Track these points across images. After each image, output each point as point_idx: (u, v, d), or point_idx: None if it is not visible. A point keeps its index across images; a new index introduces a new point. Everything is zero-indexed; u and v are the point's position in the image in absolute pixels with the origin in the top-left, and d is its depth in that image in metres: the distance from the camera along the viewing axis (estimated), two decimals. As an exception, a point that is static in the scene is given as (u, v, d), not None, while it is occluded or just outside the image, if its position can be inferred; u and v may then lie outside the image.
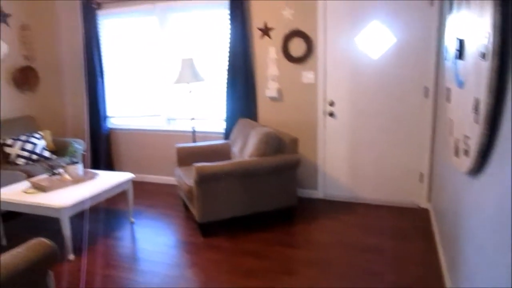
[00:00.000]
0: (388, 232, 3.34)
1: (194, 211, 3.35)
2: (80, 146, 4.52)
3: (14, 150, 4.17)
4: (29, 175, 3.92)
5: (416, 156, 3.75)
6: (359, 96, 3.82)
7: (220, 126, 4.50)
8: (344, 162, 4.01)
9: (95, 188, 3.28)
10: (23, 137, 4.29)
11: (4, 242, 3.32)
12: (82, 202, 3.10)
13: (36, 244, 1.86)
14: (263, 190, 3.42)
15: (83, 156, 4.74)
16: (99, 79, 4.82)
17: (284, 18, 3.90)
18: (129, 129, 4.98)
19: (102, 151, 4.98)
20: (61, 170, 3.43)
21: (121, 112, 5.03)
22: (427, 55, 3.51)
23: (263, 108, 4.23)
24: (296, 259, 2.95)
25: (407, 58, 3.58)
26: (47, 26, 5.07)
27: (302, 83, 3.98)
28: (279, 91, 4.09)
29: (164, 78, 4.69)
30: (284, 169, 3.44)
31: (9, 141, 4.20)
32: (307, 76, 3.94)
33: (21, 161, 4.17)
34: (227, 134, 4.33)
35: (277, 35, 3.98)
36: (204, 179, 3.19)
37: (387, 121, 3.77)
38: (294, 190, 3.56)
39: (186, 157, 4.01)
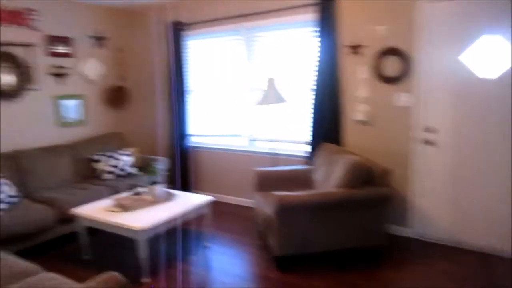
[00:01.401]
0: (502, 289, 2.76)
1: (271, 242, 3.12)
2: (162, 166, 4.59)
3: (102, 165, 4.37)
4: (115, 191, 4.05)
5: (539, 196, 3.08)
6: (465, 122, 3.29)
7: (302, 149, 4.24)
8: (443, 198, 3.47)
9: (173, 210, 3.23)
10: (112, 153, 4.48)
11: (88, 256, 3.41)
12: (159, 225, 3.06)
13: (108, 279, 1.77)
14: (348, 226, 3.06)
15: (163, 173, 4.81)
16: (183, 98, 4.89)
17: (377, 34, 3.54)
18: (209, 148, 4.96)
19: (182, 168, 5.03)
20: (142, 190, 3.46)
21: (203, 131, 5.04)
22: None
23: (350, 132, 3.88)
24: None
25: (530, 79, 2.99)
26: (140, 48, 5.33)
27: (395, 106, 3.56)
28: (369, 114, 3.72)
29: (247, 98, 4.60)
30: (372, 204, 3.06)
31: (97, 157, 4.41)
32: (402, 98, 3.51)
33: (108, 176, 4.34)
34: (309, 159, 4.05)
35: (368, 53, 3.63)
36: (283, 210, 2.95)
37: (500, 154, 3.17)
38: (383, 228, 3.14)
39: (265, 182, 3.81)
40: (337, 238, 3.07)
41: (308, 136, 4.05)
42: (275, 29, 4.25)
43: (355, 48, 3.68)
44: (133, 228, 2.91)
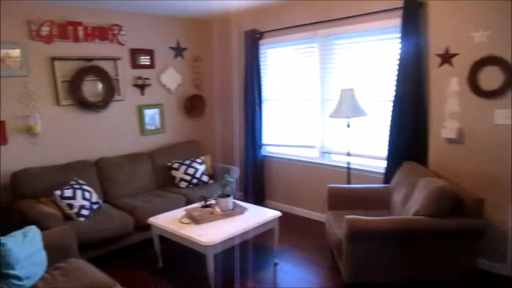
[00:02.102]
0: None
1: (342, 267, 2.91)
2: (234, 175, 4.58)
3: (179, 173, 4.51)
4: (188, 200, 4.14)
5: None
6: None
7: (380, 165, 3.94)
8: (553, 231, 2.95)
9: (242, 225, 3.19)
10: (188, 161, 4.60)
11: (161, 264, 3.53)
12: (227, 240, 3.04)
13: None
14: (430, 258, 2.74)
15: (235, 182, 4.82)
16: (257, 107, 4.85)
17: (474, 42, 3.10)
18: (282, 158, 4.86)
19: (255, 178, 4.99)
20: (212, 202, 3.47)
21: (276, 140, 4.95)
22: None
23: (436, 151, 3.48)
24: None
25: None
26: (216, 57, 5.41)
27: (493, 124, 3.09)
28: (460, 132, 3.29)
29: (322, 108, 4.40)
30: (462, 237, 2.69)
31: (176, 165, 4.56)
32: (503, 115, 3.04)
33: (183, 184, 4.47)
34: (387, 177, 3.73)
35: (462, 63, 3.20)
36: (356, 235, 2.73)
37: None
38: (472, 263, 2.76)
39: (338, 200, 3.60)
40: (416, 270, 2.77)
41: (387, 152, 3.74)
42: (353, 36, 3.99)
43: (446, 57, 3.28)
44: (201, 243, 2.92)
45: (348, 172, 3.92)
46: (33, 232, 2.45)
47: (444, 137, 3.37)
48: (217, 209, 3.36)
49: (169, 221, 3.35)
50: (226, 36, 5.25)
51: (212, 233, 3.03)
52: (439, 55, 3.33)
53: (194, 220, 3.27)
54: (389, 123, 3.67)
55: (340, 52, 4.15)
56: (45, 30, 3.93)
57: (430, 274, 2.77)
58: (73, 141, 4.23)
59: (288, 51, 4.65)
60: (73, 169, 3.95)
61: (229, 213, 3.38)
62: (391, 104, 3.62)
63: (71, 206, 3.51)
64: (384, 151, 3.81)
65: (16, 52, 3.79)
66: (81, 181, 3.80)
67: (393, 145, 3.68)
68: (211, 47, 5.40)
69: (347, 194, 3.61)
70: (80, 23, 4.16)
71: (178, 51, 5.08)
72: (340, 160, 4.30)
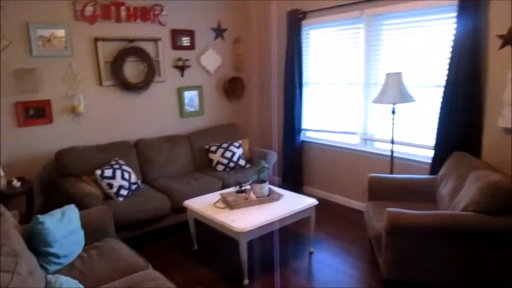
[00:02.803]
0: None
1: (381, 262, 2.77)
2: (267, 164, 4.45)
3: (216, 156, 4.49)
4: (224, 183, 4.12)
5: None
6: None
7: (426, 154, 3.69)
8: None
9: (277, 212, 3.11)
10: (225, 145, 4.56)
11: (196, 247, 3.55)
12: (261, 227, 2.98)
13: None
14: (479, 259, 2.52)
15: (273, 167, 4.74)
16: (297, 91, 4.69)
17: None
18: (322, 144, 4.70)
19: (293, 163, 4.89)
20: (247, 187, 3.42)
21: (316, 125, 4.79)
22: None
23: (491, 141, 3.19)
24: None
25: None
26: (256, 38, 5.27)
27: (561, 113, 2.77)
28: (520, 121, 2.98)
29: (365, 93, 4.17)
30: (517, 237, 2.45)
31: (213, 148, 4.54)
32: None
33: (220, 168, 4.45)
34: (434, 167, 3.49)
35: (528, 44, 2.87)
36: (397, 230, 2.57)
37: None
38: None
39: (379, 190, 3.42)
40: (463, 271, 2.57)
41: (435, 140, 3.48)
42: (403, 16, 3.71)
43: (509, 38, 2.95)
44: (234, 230, 2.88)
45: (391, 161, 3.71)
46: (72, 211, 2.51)
47: (501, 127, 3.07)
48: (252, 195, 3.30)
49: (204, 205, 3.34)
50: (267, 17, 5.08)
51: (246, 219, 2.98)
52: (500, 36, 3.00)
53: (229, 205, 3.24)
54: (439, 109, 3.41)
55: (388, 33, 3.88)
56: (88, 10, 3.98)
57: (478, 277, 2.56)
58: (114, 121, 4.31)
59: (331, 32, 4.42)
60: (114, 149, 4.04)
61: (264, 200, 3.31)
62: (442, 89, 3.35)
63: (110, 186, 3.59)
64: (432, 139, 3.55)
65: (61, 33, 3.88)
66: (121, 161, 3.88)
67: (442, 133, 3.41)
68: (252, 28, 5.27)
69: (389, 184, 3.41)
70: (122, 3, 4.17)
71: (219, 32, 4.99)
72: (383, 148, 4.08)
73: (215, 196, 3.53)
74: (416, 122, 3.78)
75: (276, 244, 3.50)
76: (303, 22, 4.57)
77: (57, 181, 3.76)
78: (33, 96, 3.80)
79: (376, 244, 2.91)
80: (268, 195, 3.40)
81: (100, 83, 4.17)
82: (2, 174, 3.47)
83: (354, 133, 4.35)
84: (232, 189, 3.53)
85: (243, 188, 3.39)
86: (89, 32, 4.04)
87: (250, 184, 3.42)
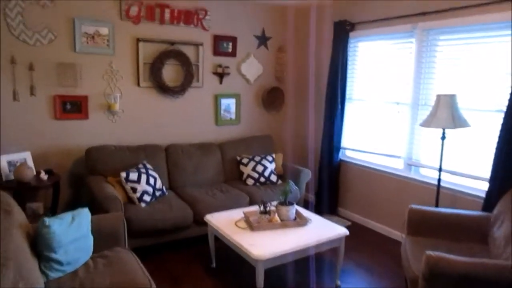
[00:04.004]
0: None
1: (416, 310, 2.41)
2: (295, 187, 4.16)
3: (247, 169, 4.29)
4: (251, 199, 3.91)
5: None
6: None
7: (480, 187, 3.27)
8: None
9: (302, 240, 2.82)
10: (258, 158, 4.35)
11: (214, 264, 3.35)
12: (282, 256, 2.72)
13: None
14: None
15: (307, 185, 4.46)
16: (339, 106, 4.39)
17: None
18: (361, 165, 4.36)
19: (330, 182, 4.57)
20: (272, 208, 3.17)
21: (356, 144, 4.45)
22: None
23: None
24: None
25: None
26: (301, 48, 5.05)
27: None
28: None
29: (413, 114, 3.80)
30: None
31: (245, 160, 4.35)
32: None
33: (250, 182, 4.24)
34: (488, 203, 3.06)
35: None
36: (437, 278, 2.21)
37: None
38: None
39: (420, 224, 3.03)
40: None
41: (491, 172, 3.06)
42: (460, 31, 3.34)
43: None
44: (251, 255, 2.64)
45: (438, 191, 3.32)
46: (83, 215, 2.40)
47: None
48: (276, 217, 3.05)
49: (225, 222, 3.14)
50: (314, 26, 4.84)
51: (266, 245, 2.73)
52: None
53: (250, 226, 3.01)
54: (497, 137, 2.99)
55: (443, 50, 3.51)
56: (134, 10, 3.97)
57: None
58: (148, 123, 4.25)
59: (380, 46, 4.10)
60: (144, 152, 3.96)
61: (288, 224, 3.05)
62: (503, 115, 2.94)
63: (134, 190, 3.50)
64: (487, 171, 3.14)
65: (105, 31, 3.88)
66: (148, 166, 3.79)
67: (500, 164, 2.99)
68: (296, 37, 5.05)
69: (432, 218, 3.02)
70: (167, 5, 4.12)
71: (263, 40, 4.82)
72: (429, 176, 3.69)
73: (238, 212, 3.32)
74: (469, 149, 3.37)
75: (296, 273, 3.22)
76: (351, 34, 4.28)
77: (85, 177, 3.74)
78: (72, 90, 3.82)
79: (412, 287, 2.56)
80: (295, 218, 3.14)
81: (138, 84, 4.13)
82: (31, 165, 3.49)
83: (398, 157, 3.98)
84: (256, 208, 3.30)
85: (267, 208, 3.15)
86: (132, 32, 4.02)
87: (276, 205, 3.18)
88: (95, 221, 2.50)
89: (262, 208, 3.16)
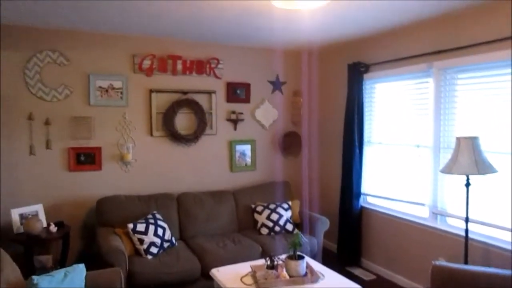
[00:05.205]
0: None
1: None
2: (305, 239, 3.88)
3: (261, 218, 4.11)
4: (264, 250, 3.70)
5: None
6: None
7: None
8: None
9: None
10: (272, 206, 4.18)
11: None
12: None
13: None
14: None
15: (327, 234, 4.19)
16: (357, 150, 4.19)
17: None
18: (384, 213, 4.05)
19: (351, 230, 4.27)
20: (280, 262, 2.96)
21: (378, 190, 4.18)
22: None
23: None
24: None
25: None
26: (316, 92, 4.96)
27: None
28: None
29: (435, 158, 3.54)
30: None
31: (259, 208, 4.19)
32: None
33: (264, 231, 4.04)
34: (525, 261, 2.70)
35: None
36: None
37: None
38: None
39: (446, 284, 2.70)
40: None
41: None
42: (481, 69, 3.13)
43: None
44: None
45: (466, 243, 2.98)
46: (77, 272, 2.32)
47: None
48: (284, 273, 2.82)
49: (231, 277, 2.94)
50: (328, 69, 4.78)
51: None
52: None
53: (256, 282, 2.80)
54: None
55: (463, 89, 3.29)
56: (146, 63, 4.08)
57: None
58: (161, 172, 4.23)
59: (397, 87, 3.93)
60: (155, 202, 3.91)
61: (298, 280, 2.80)
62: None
63: (141, 241, 3.41)
64: (522, 223, 2.79)
65: (118, 84, 4.00)
66: (158, 216, 3.71)
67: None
68: (311, 81, 4.98)
69: (460, 277, 2.68)
70: (179, 57, 4.22)
71: (277, 85, 4.79)
72: (457, 226, 3.34)
73: (246, 267, 3.12)
74: (499, 197, 3.03)
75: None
76: (366, 75, 4.16)
77: (95, 229, 3.71)
78: (86, 142, 3.90)
79: None
80: (305, 274, 2.89)
81: (151, 133, 4.17)
82: (42, 217, 3.51)
83: (422, 204, 3.66)
84: (263, 262, 3.08)
85: (275, 263, 2.93)
86: (145, 84, 4.12)
87: (285, 259, 2.96)
88: (91, 277, 2.41)
89: (269, 262, 2.95)
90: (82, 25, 3.61)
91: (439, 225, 3.50)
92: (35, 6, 2.99)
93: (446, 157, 3.39)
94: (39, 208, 3.59)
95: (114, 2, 2.90)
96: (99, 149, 3.95)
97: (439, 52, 3.39)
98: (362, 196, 4.29)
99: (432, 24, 3.47)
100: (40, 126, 3.70)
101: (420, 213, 3.70)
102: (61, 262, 3.61)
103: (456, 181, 3.31)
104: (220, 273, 3.05)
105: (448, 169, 2.92)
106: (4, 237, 3.39)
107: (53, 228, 3.49)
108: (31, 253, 3.36)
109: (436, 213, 3.53)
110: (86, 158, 3.91)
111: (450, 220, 3.45)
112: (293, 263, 2.88)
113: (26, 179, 3.67)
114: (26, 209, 3.52)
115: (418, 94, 3.70)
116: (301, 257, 2.94)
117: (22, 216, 3.47)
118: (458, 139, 2.89)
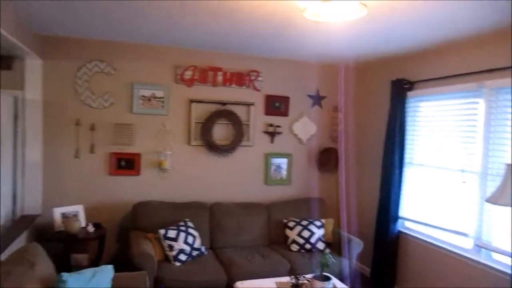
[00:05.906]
0: None
1: None
2: (332, 259, 3.73)
3: (292, 234, 4.04)
4: (292, 267, 3.62)
5: None
6: None
7: None
8: None
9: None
10: (305, 222, 4.09)
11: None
12: None
13: None
14: None
15: (361, 256, 4.02)
16: (397, 171, 3.99)
17: None
18: (423, 240, 3.80)
19: (386, 256, 4.06)
20: (306, 281, 2.87)
21: (417, 215, 3.94)
22: None
23: None
24: None
25: None
26: (357, 108, 4.81)
27: None
28: None
29: (481, 185, 3.28)
30: None
31: (291, 224, 4.11)
32: None
33: (294, 248, 3.96)
34: None
35: None
36: None
37: None
38: None
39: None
40: None
41: None
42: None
43: None
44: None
45: (513, 282, 2.72)
46: (105, 273, 2.40)
47: None
48: (308, 294, 2.75)
49: (254, 292, 2.92)
50: (370, 85, 4.63)
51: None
52: None
53: (279, 300, 2.75)
54: None
55: (516, 112, 3.04)
56: (188, 74, 4.20)
57: None
58: (196, 180, 4.30)
59: (442, 106, 3.71)
60: (188, 210, 3.98)
61: (321, 303, 2.72)
62: None
63: (171, 248, 3.48)
64: None
65: (160, 93, 4.14)
66: (190, 224, 3.77)
67: None
68: (348, 96, 4.84)
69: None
70: (220, 69, 4.29)
71: (316, 99, 4.72)
72: (504, 263, 3.05)
73: (271, 283, 3.07)
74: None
75: None
76: (410, 93, 3.97)
77: (130, 232, 3.84)
78: (127, 148, 4.07)
79: None
80: (330, 297, 2.79)
81: (189, 142, 4.26)
82: (81, 218, 3.70)
83: (465, 235, 3.40)
84: (287, 279, 3.02)
85: (299, 281, 2.86)
86: (186, 94, 4.23)
87: (310, 279, 2.87)
88: (118, 278, 2.49)
89: (294, 280, 2.88)
90: (129, 38, 3.80)
91: (482, 259, 3.21)
92: (91, 20, 3.19)
93: (493, 185, 3.12)
94: (79, 209, 3.78)
95: (156, 18, 3.02)
96: (138, 155, 4.10)
97: (492, 70, 3.16)
98: (400, 220, 4.06)
99: (484, 40, 3.25)
100: (86, 131, 3.92)
101: (462, 244, 3.44)
102: (96, 262, 3.76)
103: (506, 211, 3.04)
104: (244, 286, 3.02)
105: (494, 199, 2.68)
106: (45, 234, 3.60)
107: (91, 229, 3.65)
108: (69, 251, 3.54)
109: (480, 246, 3.26)
110: (126, 163, 4.08)
111: (495, 255, 3.16)
112: (319, 283, 2.80)
113: (70, 181, 3.90)
114: (68, 209, 3.72)
115: (466, 115, 3.47)
116: (327, 278, 2.84)
117: (63, 215, 3.67)
118: (508, 165, 2.65)
